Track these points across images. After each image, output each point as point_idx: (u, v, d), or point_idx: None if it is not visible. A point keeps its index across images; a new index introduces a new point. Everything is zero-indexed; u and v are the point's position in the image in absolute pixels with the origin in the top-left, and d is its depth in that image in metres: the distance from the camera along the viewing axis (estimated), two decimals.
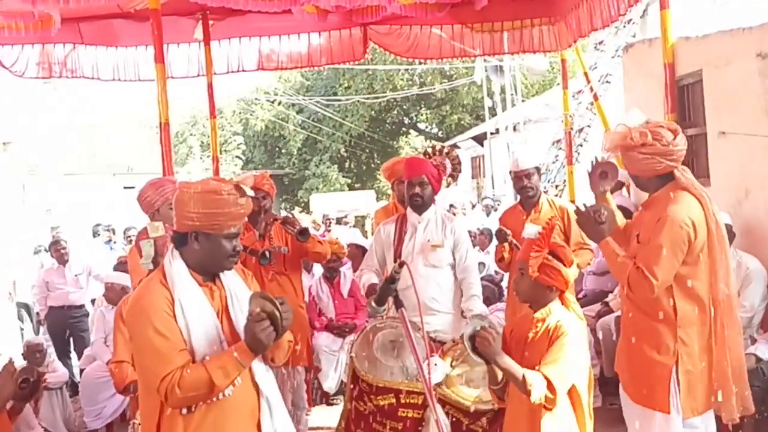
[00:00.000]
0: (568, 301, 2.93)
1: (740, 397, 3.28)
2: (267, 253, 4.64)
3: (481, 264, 8.09)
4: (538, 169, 4.81)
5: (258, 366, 2.61)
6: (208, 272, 2.62)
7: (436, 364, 3.72)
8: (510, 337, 2.96)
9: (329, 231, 14.10)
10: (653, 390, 3.26)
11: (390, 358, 3.94)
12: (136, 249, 3.86)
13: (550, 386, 2.66)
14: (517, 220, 4.79)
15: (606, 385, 5.39)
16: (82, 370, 6.47)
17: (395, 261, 4.14)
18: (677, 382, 3.22)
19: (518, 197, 5.07)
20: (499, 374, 2.85)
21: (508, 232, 4.63)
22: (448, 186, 4.84)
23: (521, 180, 4.74)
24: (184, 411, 2.49)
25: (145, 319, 2.47)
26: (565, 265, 2.84)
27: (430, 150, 4.94)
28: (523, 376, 2.67)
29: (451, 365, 3.88)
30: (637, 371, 3.34)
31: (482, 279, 7.27)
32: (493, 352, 2.73)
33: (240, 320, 2.56)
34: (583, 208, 3.44)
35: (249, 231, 4.84)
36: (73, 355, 7.53)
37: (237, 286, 2.67)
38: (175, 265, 2.57)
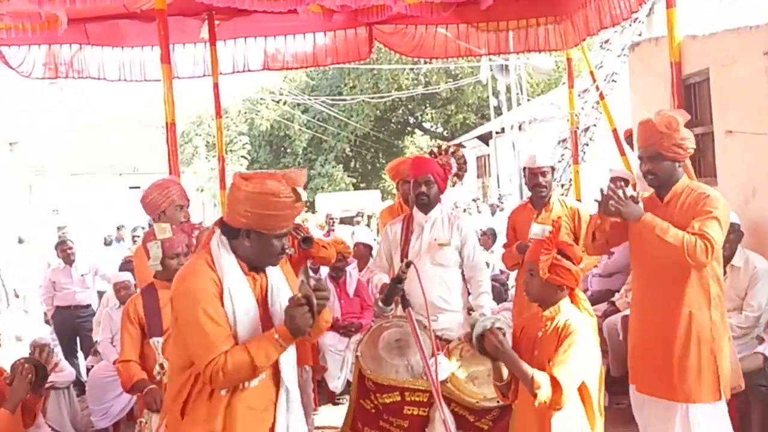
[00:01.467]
0: (579, 299, 2.93)
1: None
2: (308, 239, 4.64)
3: (485, 263, 8.06)
4: (552, 168, 4.81)
5: (285, 360, 2.66)
6: (253, 265, 2.66)
7: (441, 362, 3.73)
8: (520, 336, 2.97)
9: (333, 231, 14.11)
10: (698, 380, 3.25)
11: (395, 357, 3.95)
12: (143, 250, 3.88)
13: (556, 386, 2.65)
14: (526, 218, 4.79)
15: (613, 384, 5.38)
16: (88, 370, 6.49)
17: (402, 261, 4.14)
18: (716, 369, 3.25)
19: (529, 195, 5.06)
20: (505, 372, 2.85)
21: (527, 244, 4.58)
22: (453, 185, 4.83)
23: (536, 177, 4.74)
24: (208, 397, 2.55)
25: (193, 300, 2.52)
26: (574, 263, 2.85)
27: (435, 149, 4.91)
28: (532, 377, 2.67)
29: (458, 362, 3.89)
30: (668, 365, 3.30)
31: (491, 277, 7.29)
32: (502, 352, 2.73)
33: (278, 311, 2.62)
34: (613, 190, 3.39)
35: None
36: (80, 354, 7.56)
37: (278, 278, 2.73)
38: (224, 253, 2.60)
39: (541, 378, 2.67)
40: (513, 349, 2.82)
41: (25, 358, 3.42)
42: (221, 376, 2.46)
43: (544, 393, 2.65)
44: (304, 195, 2.64)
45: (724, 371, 3.28)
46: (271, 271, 2.70)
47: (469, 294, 4.43)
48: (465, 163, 4.78)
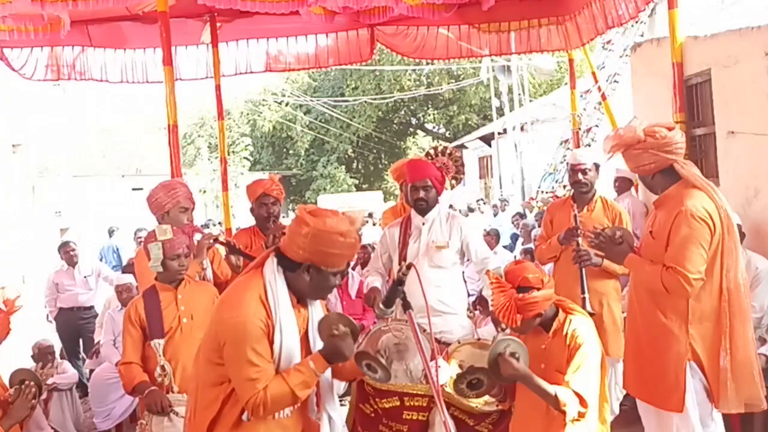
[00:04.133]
0: (567, 304, 2.91)
1: (745, 391, 3.26)
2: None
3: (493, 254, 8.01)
4: (597, 166, 4.73)
5: (325, 387, 2.74)
6: (305, 298, 2.69)
7: (440, 366, 3.71)
8: (540, 357, 2.94)
9: None
10: (668, 390, 3.24)
11: (394, 362, 3.92)
12: (144, 251, 3.88)
13: (582, 402, 2.67)
14: (565, 213, 4.70)
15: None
16: (91, 371, 6.50)
17: (400, 263, 4.13)
18: (692, 378, 3.22)
19: (572, 192, 4.99)
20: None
21: (579, 227, 4.47)
22: (452, 188, 4.82)
23: (576, 174, 4.70)
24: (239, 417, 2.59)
25: (243, 335, 2.50)
26: (537, 288, 2.81)
27: (432, 152, 4.88)
28: (555, 395, 2.68)
29: (458, 364, 3.88)
30: (649, 372, 3.32)
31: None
32: (521, 376, 2.74)
33: (317, 343, 2.67)
34: (599, 232, 3.45)
35: (257, 238, 4.84)
36: (83, 355, 7.57)
37: (317, 311, 2.77)
38: (280, 287, 2.59)
39: (565, 396, 2.68)
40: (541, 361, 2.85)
41: (31, 374, 3.36)
42: (262, 409, 2.50)
43: (574, 409, 2.66)
44: (360, 232, 2.69)
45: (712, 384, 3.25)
46: (313, 304, 2.74)
47: (469, 295, 4.43)
48: (462, 165, 4.76)
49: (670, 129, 3.33)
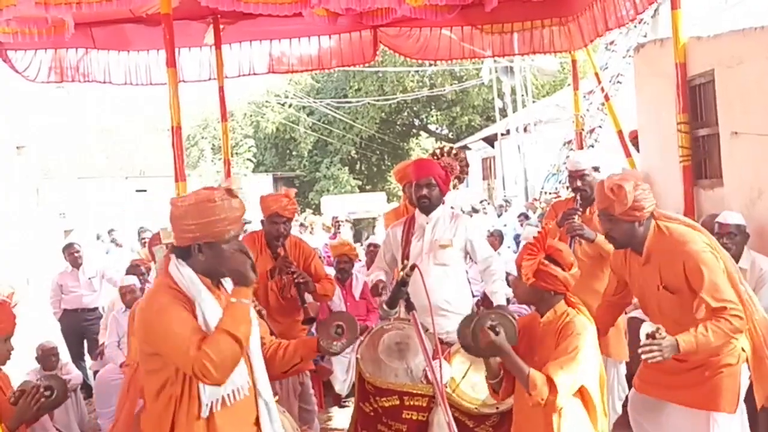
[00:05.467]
0: (576, 303, 2.89)
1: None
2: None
3: (497, 254, 8.00)
4: (595, 169, 4.72)
5: (260, 374, 2.68)
6: (216, 278, 2.67)
7: (441, 366, 3.70)
8: (521, 336, 2.92)
9: (339, 233, 14.11)
10: (721, 391, 3.24)
11: (395, 360, 3.93)
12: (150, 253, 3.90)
13: (552, 387, 2.63)
14: (564, 208, 4.71)
15: None
16: (95, 373, 6.51)
17: (403, 262, 4.13)
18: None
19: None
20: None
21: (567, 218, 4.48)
22: (455, 188, 4.83)
23: (575, 180, 4.70)
24: (199, 415, 2.53)
25: (164, 317, 2.49)
26: (563, 269, 2.81)
27: (438, 151, 4.92)
28: (528, 374, 2.65)
29: (466, 364, 3.86)
30: (693, 375, 3.29)
31: None
32: (497, 347, 2.71)
33: None
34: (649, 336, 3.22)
35: (264, 253, 4.84)
36: (87, 357, 7.59)
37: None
38: (186, 273, 2.59)
39: (537, 377, 2.65)
40: (513, 349, 2.79)
41: (47, 380, 3.34)
42: (211, 368, 2.41)
43: (539, 393, 2.63)
44: (239, 193, 2.65)
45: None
46: (229, 287, 2.69)
47: (474, 296, 4.43)
48: (467, 165, 4.77)
49: (630, 180, 3.31)
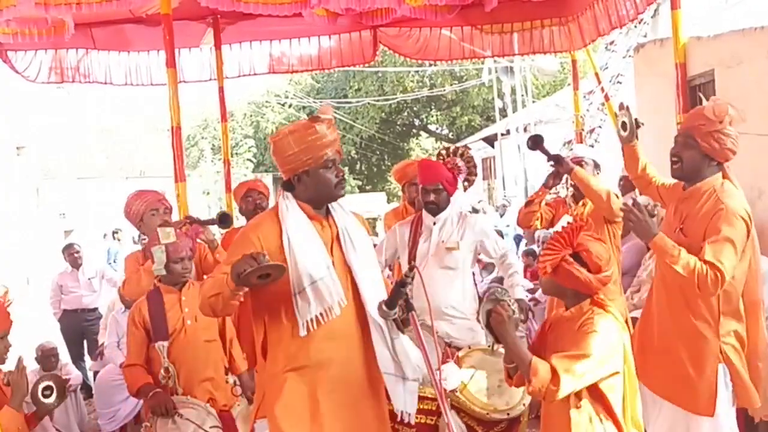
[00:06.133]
0: (605, 303, 2.66)
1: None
2: (225, 215, 4.61)
3: (511, 250, 7.96)
4: (595, 163, 4.70)
5: (369, 295, 2.83)
6: (321, 204, 2.85)
7: (452, 371, 3.65)
8: (548, 332, 2.78)
9: None
10: (699, 393, 3.20)
11: None
12: (141, 254, 3.91)
13: (554, 376, 2.47)
14: (561, 206, 4.76)
15: None
16: (95, 373, 6.51)
17: (410, 263, 4.06)
18: (724, 382, 3.19)
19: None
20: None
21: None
22: (465, 190, 4.69)
23: None
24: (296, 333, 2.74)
25: (241, 233, 2.82)
26: (589, 270, 2.59)
27: (444, 152, 4.70)
28: (530, 362, 2.51)
29: (472, 371, 3.81)
30: (680, 374, 3.24)
31: (495, 279, 7.26)
32: (504, 331, 2.58)
33: (350, 252, 2.83)
34: (631, 202, 3.21)
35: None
36: (87, 357, 7.59)
37: (349, 223, 2.90)
38: (286, 202, 2.82)
39: (539, 364, 2.50)
40: (537, 344, 2.70)
41: (45, 379, 3.34)
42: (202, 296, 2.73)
43: (539, 380, 2.48)
44: (330, 117, 2.78)
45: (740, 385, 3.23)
46: (341, 217, 2.87)
47: (480, 300, 4.35)
48: (474, 166, 4.66)
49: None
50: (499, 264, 4.42)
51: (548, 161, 4.46)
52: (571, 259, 2.60)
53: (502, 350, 4.02)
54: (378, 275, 2.95)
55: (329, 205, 2.88)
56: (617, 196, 4.35)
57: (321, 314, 2.72)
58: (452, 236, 4.28)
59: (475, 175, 4.55)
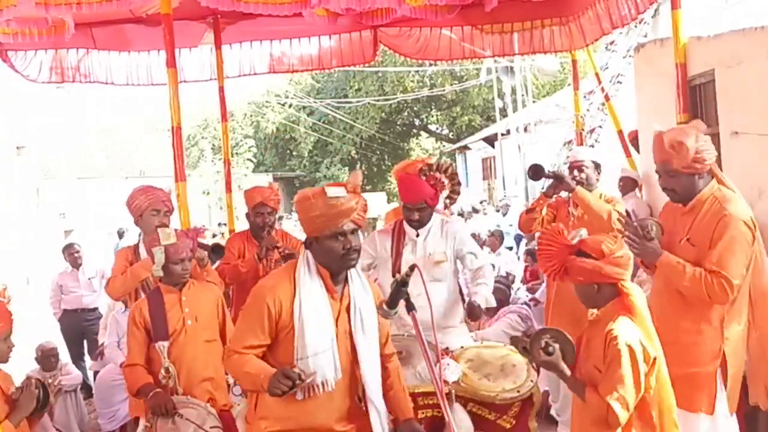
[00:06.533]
0: (632, 302, 2.67)
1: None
2: (218, 247, 4.68)
3: (491, 264, 8.00)
4: (596, 164, 4.75)
5: (372, 383, 2.85)
6: (333, 271, 2.84)
7: (449, 364, 3.68)
8: (584, 344, 2.82)
9: None
10: (699, 392, 3.23)
11: (401, 369, 3.87)
12: (131, 250, 3.93)
13: (612, 412, 2.56)
14: (562, 207, 4.85)
15: None
16: (95, 373, 6.51)
17: (393, 276, 3.99)
18: (723, 382, 3.22)
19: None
20: None
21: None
22: (445, 207, 4.51)
23: (572, 171, 4.78)
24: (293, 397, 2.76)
25: (259, 296, 2.80)
26: (593, 257, 2.65)
27: (425, 168, 4.48)
28: (585, 393, 2.64)
29: (466, 365, 3.84)
30: (680, 375, 3.21)
31: (498, 278, 7.25)
32: (551, 367, 2.71)
33: (358, 332, 2.84)
34: (630, 223, 3.32)
35: (250, 244, 4.85)
36: (87, 357, 7.59)
37: (363, 299, 2.89)
38: (305, 267, 2.82)
39: (593, 398, 2.60)
40: (577, 358, 2.74)
41: (35, 377, 3.37)
42: (226, 363, 2.88)
43: (597, 410, 2.58)
44: (338, 192, 2.74)
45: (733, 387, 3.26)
46: (356, 291, 2.86)
47: (464, 301, 4.31)
48: (458, 183, 4.50)
49: (694, 132, 3.29)
50: (474, 270, 4.31)
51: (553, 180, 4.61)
52: (573, 256, 2.67)
53: (492, 343, 4.07)
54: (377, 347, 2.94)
55: (348, 274, 2.88)
56: (619, 214, 4.41)
57: (317, 385, 2.76)
58: (438, 248, 4.21)
59: (458, 193, 4.43)
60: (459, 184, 4.45)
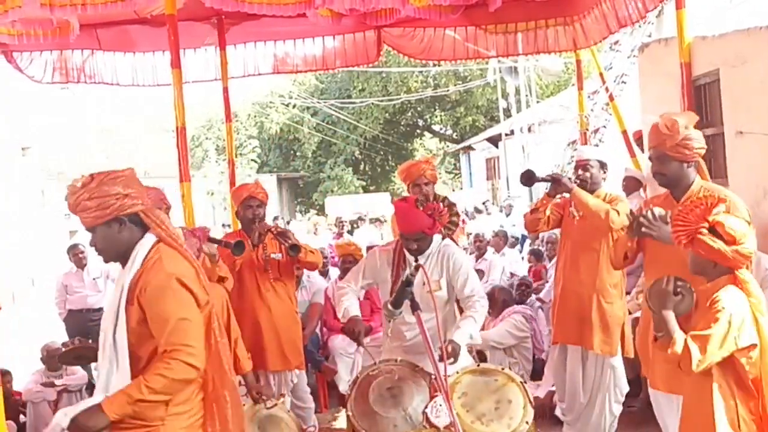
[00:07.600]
0: (744, 282, 2.76)
1: None
2: (241, 244, 4.57)
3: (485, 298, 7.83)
4: (601, 163, 4.75)
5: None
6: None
7: (441, 405, 3.47)
8: (696, 307, 2.87)
9: (341, 235, 14.10)
10: None
11: (390, 409, 3.67)
12: None
13: (688, 354, 2.63)
14: (568, 206, 4.85)
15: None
16: None
17: (391, 295, 3.92)
18: None
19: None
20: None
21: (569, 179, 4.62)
22: (443, 238, 4.31)
23: (577, 169, 4.81)
24: None
25: None
26: (725, 242, 2.72)
27: (422, 198, 4.39)
28: (673, 334, 2.69)
29: (460, 400, 3.66)
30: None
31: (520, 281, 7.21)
32: (661, 305, 2.77)
33: None
34: (650, 208, 3.41)
35: (244, 238, 4.86)
36: None
37: None
38: None
39: (678, 340, 2.67)
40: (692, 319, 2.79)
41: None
42: None
43: (675, 352, 2.65)
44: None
45: None
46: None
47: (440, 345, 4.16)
48: (456, 214, 4.27)
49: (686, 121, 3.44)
50: (464, 300, 4.13)
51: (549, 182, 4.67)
52: (706, 231, 2.74)
53: (489, 366, 3.99)
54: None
55: None
56: (618, 213, 4.47)
57: None
58: (433, 275, 4.06)
59: (457, 225, 4.32)
60: (457, 215, 4.35)
